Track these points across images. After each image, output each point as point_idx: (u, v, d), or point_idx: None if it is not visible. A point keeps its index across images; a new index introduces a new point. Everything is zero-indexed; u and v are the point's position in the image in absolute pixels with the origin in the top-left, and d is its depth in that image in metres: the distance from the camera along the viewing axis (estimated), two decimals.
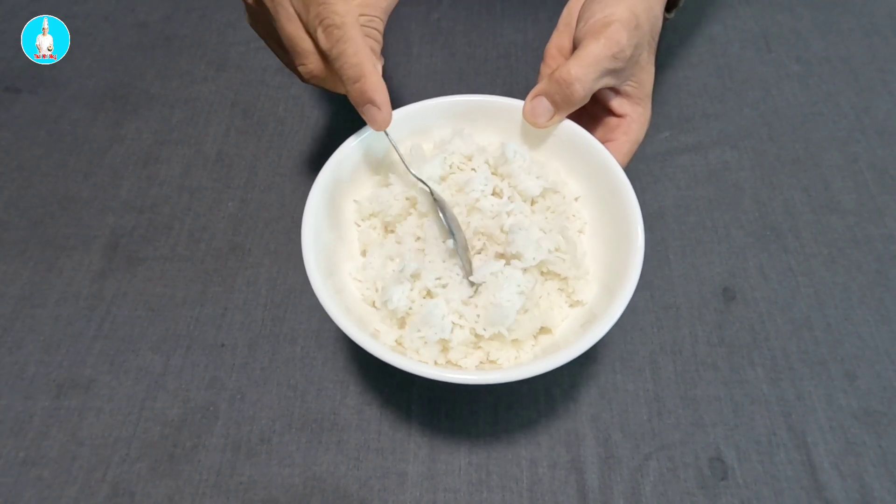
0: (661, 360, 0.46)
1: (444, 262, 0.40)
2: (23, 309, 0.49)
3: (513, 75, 0.62)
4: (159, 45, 0.66)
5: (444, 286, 0.39)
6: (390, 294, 0.37)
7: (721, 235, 0.52)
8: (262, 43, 0.65)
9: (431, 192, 0.41)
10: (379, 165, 0.45)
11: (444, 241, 0.40)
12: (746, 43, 0.65)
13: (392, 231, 0.43)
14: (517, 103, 0.43)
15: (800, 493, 0.41)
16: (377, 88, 0.36)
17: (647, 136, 0.57)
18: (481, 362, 0.38)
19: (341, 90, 0.39)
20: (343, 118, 0.60)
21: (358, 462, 0.42)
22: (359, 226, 0.44)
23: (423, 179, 0.41)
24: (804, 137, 0.58)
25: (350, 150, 0.42)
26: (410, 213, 0.43)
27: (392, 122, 0.40)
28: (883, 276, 0.49)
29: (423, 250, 0.41)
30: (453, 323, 0.37)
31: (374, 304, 0.41)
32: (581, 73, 0.39)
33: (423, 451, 0.43)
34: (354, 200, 0.44)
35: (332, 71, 0.38)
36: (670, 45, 0.64)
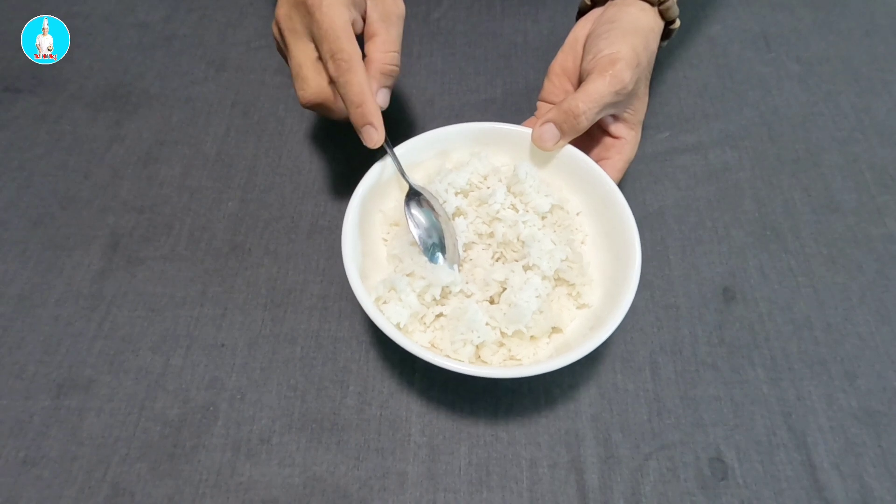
0: (661, 360, 0.46)
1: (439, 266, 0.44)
2: (23, 309, 0.49)
3: (513, 75, 0.62)
4: (159, 45, 0.66)
5: (468, 295, 0.44)
6: (388, 314, 0.41)
7: (721, 235, 0.52)
8: (263, 42, 0.65)
9: (417, 192, 0.46)
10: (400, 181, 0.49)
11: (410, 244, 0.45)
12: (746, 43, 0.65)
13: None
14: (526, 130, 0.48)
15: (800, 493, 0.41)
16: (375, 113, 0.43)
17: (647, 136, 0.58)
18: (505, 359, 0.42)
19: (334, 116, 0.46)
20: None
21: (358, 462, 0.42)
22: (385, 240, 0.48)
23: (414, 184, 0.46)
24: (804, 137, 0.58)
25: (378, 171, 0.46)
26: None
27: (416, 144, 0.48)
28: (883, 276, 0.49)
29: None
30: (486, 324, 0.42)
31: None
32: (587, 107, 0.44)
33: (423, 451, 0.43)
34: (380, 211, 0.48)
35: (327, 102, 0.44)
36: (670, 45, 0.64)
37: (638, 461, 0.42)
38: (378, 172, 0.46)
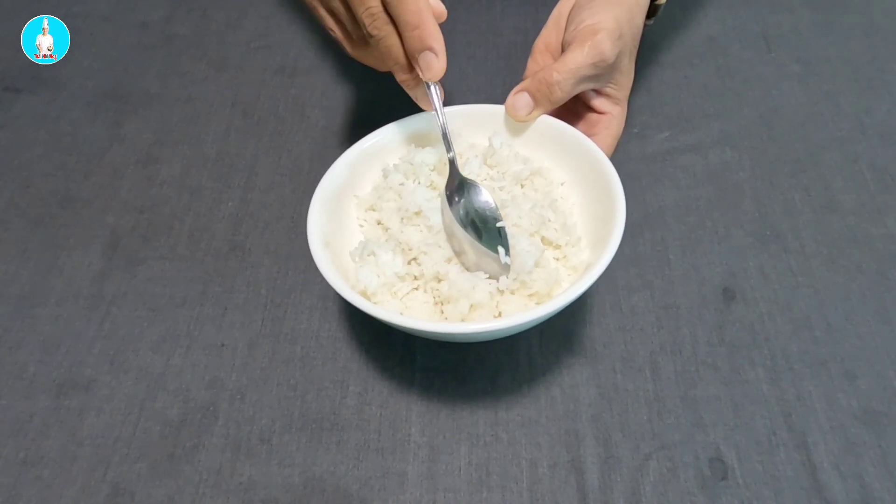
0: (661, 360, 0.46)
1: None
2: (23, 309, 0.49)
3: (513, 75, 0.62)
4: (159, 45, 0.66)
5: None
6: (359, 278, 0.40)
7: (721, 235, 0.52)
8: (263, 42, 0.65)
9: (457, 170, 0.44)
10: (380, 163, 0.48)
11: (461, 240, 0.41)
12: (746, 43, 0.65)
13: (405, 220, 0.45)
14: (499, 108, 0.47)
15: (800, 493, 0.41)
16: (435, 36, 0.38)
17: (647, 136, 0.58)
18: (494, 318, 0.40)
19: (383, 62, 0.41)
20: (343, 119, 0.60)
21: (358, 462, 0.42)
22: (362, 226, 0.46)
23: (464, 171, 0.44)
24: (804, 137, 0.58)
25: (354, 153, 0.46)
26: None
27: (390, 130, 0.46)
28: (883, 276, 0.49)
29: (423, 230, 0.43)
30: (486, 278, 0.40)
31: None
32: (562, 77, 0.42)
33: (423, 451, 0.43)
34: (356, 196, 0.47)
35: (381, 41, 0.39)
36: (670, 45, 0.64)
37: (638, 461, 0.42)
38: (354, 155, 0.45)
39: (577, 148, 0.45)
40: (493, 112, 0.47)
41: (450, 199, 0.43)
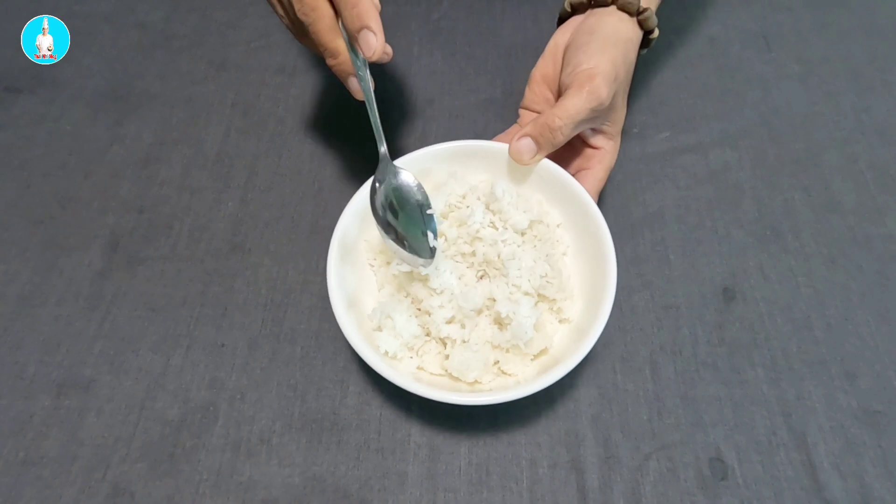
0: (661, 360, 0.46)
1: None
2: (23, 309, 0.49)
3: (512, 75, 0.62)
4: (159, 45, 0.66)
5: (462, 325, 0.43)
6: (378, 343, 0.41)
7: (721, 235, 0.52)
8: (263, 42, 0.65)
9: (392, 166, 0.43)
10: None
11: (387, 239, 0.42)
12: (746, 43, 0.65)
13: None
14: (502, 146, 0.47)
15: (800, 493, 0.41)
16: (372, 14, 0.38)
17: (647, 136, 0.58)
18: (496, 375, 0.42)
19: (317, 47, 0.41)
20: (343, 118, 0.60)
21: (358, 462, 0.42)
22: (372, 265, 0.47)
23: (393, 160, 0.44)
24: (804, 137, 0.58)
25: (362, 199, 0.45)
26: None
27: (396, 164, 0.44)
28: (883, 276, 0.49)
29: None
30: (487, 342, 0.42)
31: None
32: (563, 122, 0.44)
33: (423, 451, 0.43)
34: (365, 240, 0.47)
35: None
36: (670, 45, 0.64)
37: (638, 461, 0.42)
38: (360, 202, 0.45)
39: (568, 192, 0.46)
40: (493, 150, 0.48)
41: (374, 190, 0.43)
